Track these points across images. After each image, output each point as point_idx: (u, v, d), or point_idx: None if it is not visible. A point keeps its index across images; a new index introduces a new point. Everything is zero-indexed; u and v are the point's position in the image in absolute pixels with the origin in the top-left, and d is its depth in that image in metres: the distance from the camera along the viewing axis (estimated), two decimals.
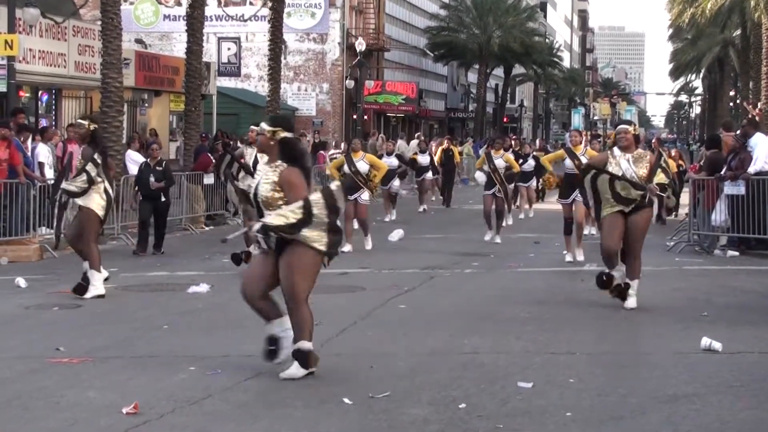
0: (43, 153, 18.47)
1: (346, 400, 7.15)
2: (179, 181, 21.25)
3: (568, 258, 15.81)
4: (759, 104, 36.86)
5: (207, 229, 21.96)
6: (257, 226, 7.73)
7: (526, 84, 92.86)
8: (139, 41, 44.61)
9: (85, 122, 12.62)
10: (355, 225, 17.36)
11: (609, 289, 11.26)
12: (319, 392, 7.40)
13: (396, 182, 24.23)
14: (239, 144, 22.19)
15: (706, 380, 7.82)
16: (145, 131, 32.13)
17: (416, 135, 44.52)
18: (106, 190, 12.37)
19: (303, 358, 7.77)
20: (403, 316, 10.92)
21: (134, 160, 20.72)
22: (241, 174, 13.91)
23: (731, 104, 71.10)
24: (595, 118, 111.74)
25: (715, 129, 46.62)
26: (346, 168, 17.30)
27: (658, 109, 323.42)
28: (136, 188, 17.76)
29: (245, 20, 42.65)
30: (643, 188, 11.09)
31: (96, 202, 12.29)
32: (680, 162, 24.84)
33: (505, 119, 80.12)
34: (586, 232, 17.44)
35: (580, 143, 16.46)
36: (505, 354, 8.85)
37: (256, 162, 12.39)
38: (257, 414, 6.92)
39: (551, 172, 16.28)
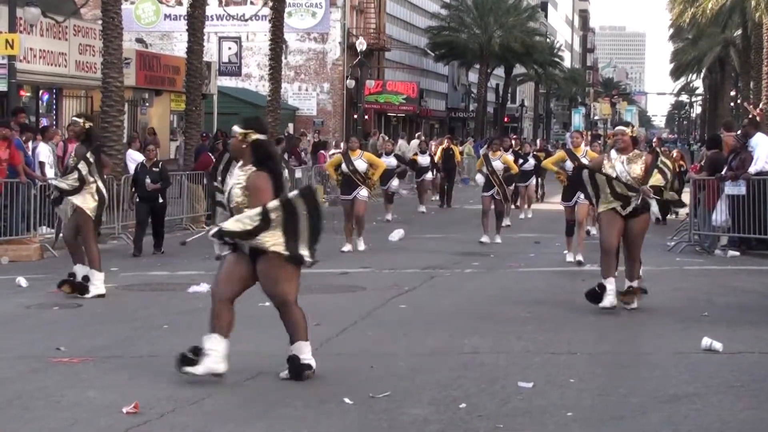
0: (44, 152, 18.46)
1: (347, 400, 7.15)
2: (180, 180, 21.23)
3: (569, 258, 15.81)
4: (760, 104, 36.83)
5: (208, 228, 21.87)
6: (214, 230, 7.73)
7: (527, 84, 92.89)
8: (139, 41, 44.61)
9: (80, 120, 12.61)
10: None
11: (599, 302, 10.99)
12: (319, 392, 7.40)
13: (395, 182, 24.25)
14: None
15: (707, 380, 7.83)
16: (144, 130, 32.11)
17: (417, 135, 44.50)
18: (98, 190, 12.31)
19: (296, 369, 7.68)
20: (403, 315, 10.92)
21: (135, 159, 20.68)
22: None
23: (732, 104, 71.07)
24: (596, 118, 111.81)
25: (715, 129, 46.58)
26: (344, 166, 17.32)
27: (658, 109, 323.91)
28: (133, 189, 17.73)
29: (246, 20, 42.58)
30: (636, 190, 11.05)
31: (87, 202, 12.27)
32: (681, 162, 24.81)
33: (505, 119, 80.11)
34: (588, 230, 17.45)
35: (581, 144, 16.49)
36: (506, 354, 8.85)
37: None
38: (257, 414, 6.92)
39: (558, 171, 16.25)
